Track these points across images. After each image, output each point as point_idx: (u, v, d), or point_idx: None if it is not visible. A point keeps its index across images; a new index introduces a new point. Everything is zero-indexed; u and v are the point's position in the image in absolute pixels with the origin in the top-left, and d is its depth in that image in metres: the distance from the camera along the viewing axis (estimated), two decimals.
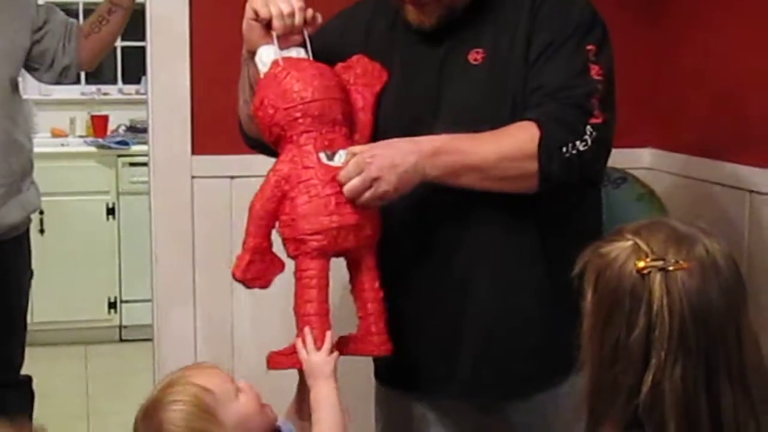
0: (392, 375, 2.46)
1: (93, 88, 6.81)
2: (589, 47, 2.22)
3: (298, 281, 2.21)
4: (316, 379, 2.16)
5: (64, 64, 3.42)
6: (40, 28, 3.37)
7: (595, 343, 1.71)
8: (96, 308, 6.14)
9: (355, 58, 2.35)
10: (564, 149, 2.15)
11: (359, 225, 2.19)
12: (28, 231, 3.39)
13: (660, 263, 1.65)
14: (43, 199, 3.45)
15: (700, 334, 1.63)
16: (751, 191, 3.05)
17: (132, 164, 6.15)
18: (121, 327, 6.18)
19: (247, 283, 2.24)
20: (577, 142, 2.15)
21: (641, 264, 1.66)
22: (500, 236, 2.29)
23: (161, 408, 2.09)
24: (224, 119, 3.18)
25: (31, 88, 6.02)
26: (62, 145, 6.47)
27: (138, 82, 6.74)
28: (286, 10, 2.22)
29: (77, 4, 6.49)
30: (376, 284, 2.27)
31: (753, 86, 3.07)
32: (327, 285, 2.21)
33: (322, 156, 2.20)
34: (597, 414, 1.71)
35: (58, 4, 3.67)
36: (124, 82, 6.90)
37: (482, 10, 2.30)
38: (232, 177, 3.16)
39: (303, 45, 2.29)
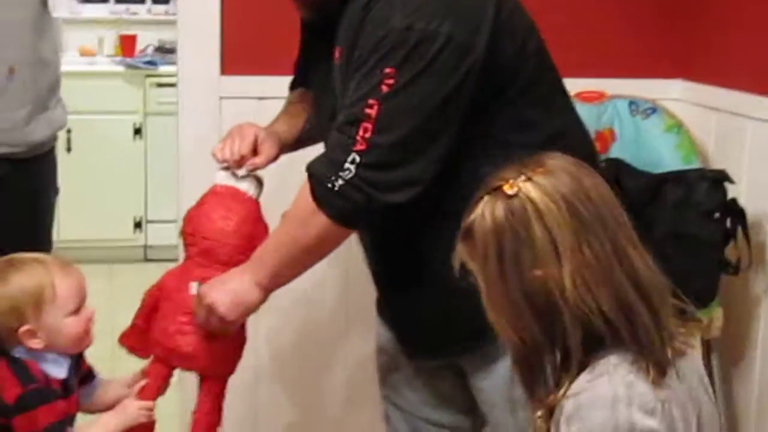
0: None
1: (122, 7, 6.79)
2: (386, 70, 2.14)
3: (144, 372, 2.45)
4: (115, 412, 2.35)
5: None
6: None
7: (507, 291, 1.78)
8: (122, 228, 6.18)
9: None
10: (329, 184, 2.17)
11: (189, 356, 2.40)
12: (54, 149, 3.39)
13: (523, 177, 1.75)
14: (71, 117, 3.44)
15: (591, 210, 1.73)
16: None
17: (159, 85, 6.15)
18: (146, 247, 6.22)
19: (127, 350, 2.48)
20: (340, 173, 2.16)
21: (508, 188, 1.75)
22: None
23: (18, 264, 2.28)
24: (254, 39, 3.18)
25: (60, 6, 6.00)
26: (90, 64, 6.47)
27: (167, 2, 6.72)
28: (227, 156, 2.49)
29: None
30: (206, 407, 2.46)
31: None
32: (159, 387, 2.42)
33: (193, 285, 2.38)
34: (543, 349, 1.80)
35: None
36: (153, 1, 6.87)
37: (346, 2, 2.28)
38: (260, 98, 3.15)
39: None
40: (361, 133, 2.15)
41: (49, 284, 2.26)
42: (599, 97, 3.26)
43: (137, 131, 6.16)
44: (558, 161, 1.80)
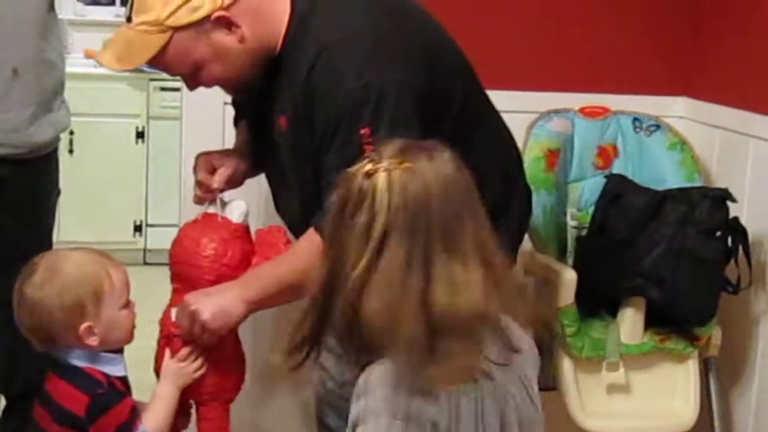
0: None
1: None
2: (362, 131, 2.21)
3: None
4: (163, 379, 2.38)
5: None
6: None
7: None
8: (122, 231, 6.16)
9: (273, 228, 2.55)
10: None
11: None
12: (56, 150, 3.38)
13: (383, 165, 1.81)
14: (74, 119, 3.43)
15: (420, 221, 1.77)
16: None
17: (163, 89, 6.13)
18: (145, 250, 6.22)
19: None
20: None
21: (368, 167, 1.82)
22: None
23: (67, 256, 2.33)
24: None
25: (65, 8, 6.00)
26: (95, 66, 6.45)
27: None
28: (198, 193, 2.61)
29: None
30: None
31: None
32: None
33: (172, 311, 2.42)
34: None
35: None
36: None
37: (279, 71, 2.37)
38: None
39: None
40: None
41: (106, 276, 2.26)
42: (603, 113, 3.26)
43: (140, 135, 6.15)
44: (431, 163, 1.86)
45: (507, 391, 1.88)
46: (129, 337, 2.33)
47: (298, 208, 2.44)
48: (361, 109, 2.22)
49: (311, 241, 2.29)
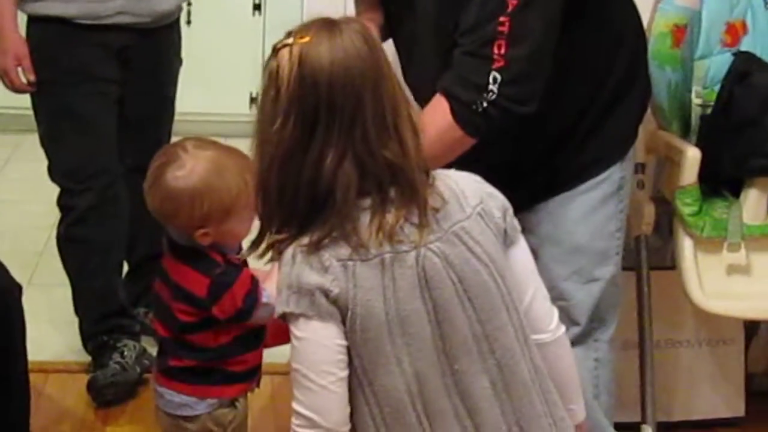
0: None
1: None
2: None
3: None
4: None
5: None
6: None
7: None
8: (237, 102, 6.20)
9: None
10: (474, 106, 2.26)
11: None
12: (179, 20, 3.42)
13: (287, 41, 1.86)
14: None
15: (313, 94, 1.82)
16: None
17: None
18: None
19: None
20: (484, 95, 2.24)
21: (276, 44, 1.87)
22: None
23: (212, 159, 2.27)
24: None
25: None
26: None
27: None
28: None
29: None
30: None
31: None
32: None
33: None
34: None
35: None
36: None
37: None
38: None
39: None
40: (496, 51, 2.22)
41: (244, 188, 2.23)
42: None
43: (257, 7, 6.16)
44: (335, 35, 1.88)
45: (430, 252, 1.87)
46: (239, 246, 2.34)
47: (434, 71, 2.39)
48: None
49: (441, 113, 2.29)
